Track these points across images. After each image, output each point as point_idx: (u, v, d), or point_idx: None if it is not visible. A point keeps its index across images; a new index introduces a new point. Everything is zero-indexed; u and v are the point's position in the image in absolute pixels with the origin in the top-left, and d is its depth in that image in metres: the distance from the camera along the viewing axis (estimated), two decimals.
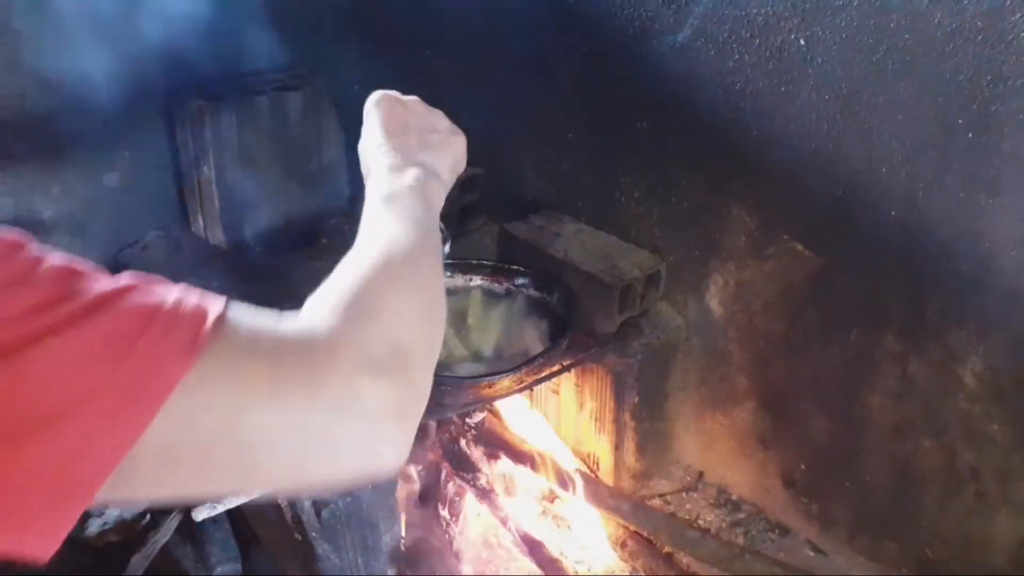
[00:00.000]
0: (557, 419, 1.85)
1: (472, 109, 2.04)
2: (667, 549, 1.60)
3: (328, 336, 0.64)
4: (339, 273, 0.73)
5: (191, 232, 2.09)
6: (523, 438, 1.74)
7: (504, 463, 1.69)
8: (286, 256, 2.05)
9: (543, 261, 1.74)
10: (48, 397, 0.52)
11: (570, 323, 1.60)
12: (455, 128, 1.02)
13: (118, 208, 2.01)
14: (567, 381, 1.78)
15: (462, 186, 2.10)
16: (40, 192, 1.92)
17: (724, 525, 1.75)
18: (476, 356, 1.59)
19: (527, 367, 1.47)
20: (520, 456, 1.70)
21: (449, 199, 2.11)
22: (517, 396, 1.70)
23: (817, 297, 1.49)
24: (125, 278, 0.59)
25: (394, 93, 1.01)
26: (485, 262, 1.81)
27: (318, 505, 1.32)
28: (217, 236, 2.01)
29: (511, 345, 1.62)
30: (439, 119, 1.01)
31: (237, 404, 0.58)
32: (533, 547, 1.57)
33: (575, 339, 1.64)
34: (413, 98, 1.02)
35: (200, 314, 0.58)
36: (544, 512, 1.73)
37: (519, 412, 1.80)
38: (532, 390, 1.73)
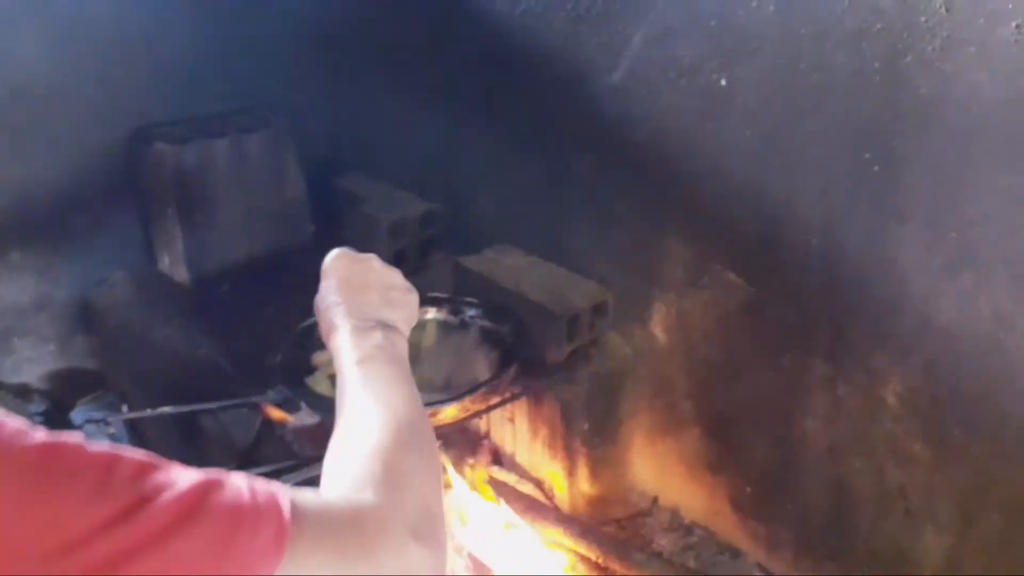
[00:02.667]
0: (513, 446, 1.89)
1: (430, 148, 2.13)
2: (619, 573, 1.64)
3: (376, 509, 0.69)
4: (353, 443, 0.78)
5: (157, 271, 2.14)
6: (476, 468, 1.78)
7: (458, 492, 1.73)
8: (251, 293, 2.10)
9: (496, 293, 1.80)
10: None
11: (518, 352, 1.65)
12: (409, 285, 1.06)
13: (85, 249, 2.06)
14: (521, 409, 1.83)
15: (422, 221, 2.17)
16: (8, 234, 1.97)
17: (676, 549, 1.78)
18: (425, 385, 1.63)
19: (470, 395, 1.51)
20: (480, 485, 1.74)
21: (410, 234, 2.16)
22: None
23: (750, 324, 1.55)
24: (181, 471, 0.62)
25: (350, 251, 1.05)
26: (440, 295, 1.85)
27: None
28: (182, 275, 2.06)
29: (460, 375, 1.67)
30: (395, 276, 1.05)
31: None
32: (484, 572, 1.60)
33: (525, 368, 1.68)
34: (371, 256, 1.06)
35: (275, 507, 0.63)
36: (499, 539, 1.76)
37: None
38: (483, 417, 1.77)
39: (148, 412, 1.49)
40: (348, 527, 0.67)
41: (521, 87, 1.81)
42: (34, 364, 2.07)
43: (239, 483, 0.64)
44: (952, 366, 1.27)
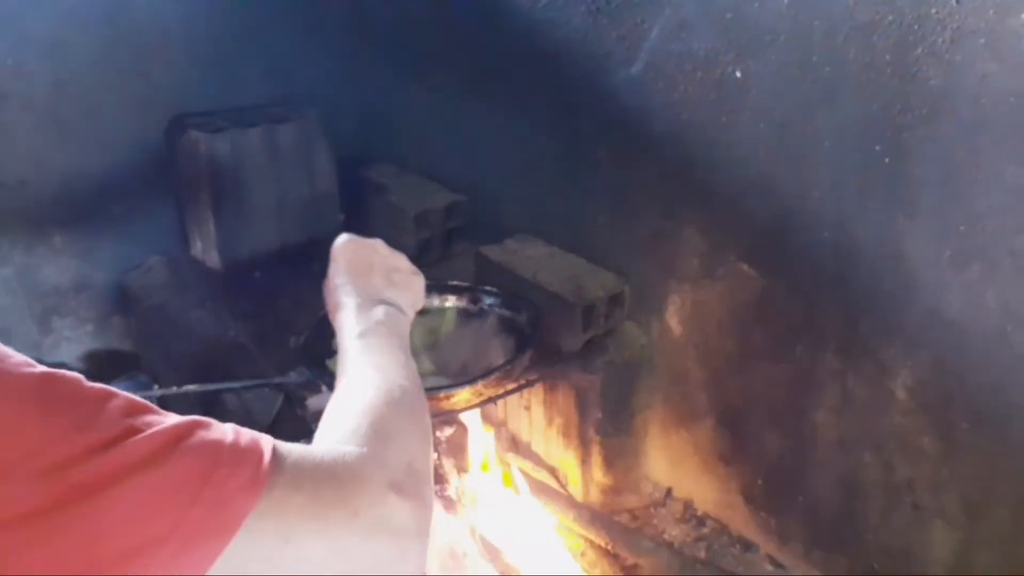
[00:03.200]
0: (529, 434, 1.92)
1: (456, 140, 2.17)
2: (629, 561, 1.66)
3: (358, 459, 0.71)
4: (346, 402, 0.81)
5: (191, 256, 2.21)
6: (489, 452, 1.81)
7: (472, 475, 1.76)
8: (281, 279, 2.16)
9: (514, 282, 1.83)
10: (127, 535, 0.58)
11: (533, 340, 1.68)
12: (415, 268, 1.11)
13: (123, 233, 2.14)
14: (536, 397, 1.86)
15: (447, 212, 2.21)
16: (51, 218, 2.06)
17: (688, 540, 1.80)
18: (442, 371, 1.67)
19: (484, 379, 1.55)
20: (487, 468, 1.77)
21: (435, 224, 2.18)
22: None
23: (763, 316, 1.55)
24: (175, 415, 0.65)
25: (358, 237, 1.10)
26: (460, 284, 1.89)
27: None
28: (214, 260, 2.13)
29: (477, 361, 1.70)
30: (400, 260, 1.10)
31: (287, 535, 0.65)
32: (496, 556, 1.63)
33: (540, 356, 1.71)
34: (377, 240, 1.10)
35: (257, 451, 0.65)
36: (510, 522, 1.79)
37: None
38: (499, 404, 1.80)
39: (174, 389, 1.55)
40: (327, 474, 0.68)
41: (543, 80, 1.84)
42: (72, 344, 2.16)
43: (225, 427, 0.66)
44: (960, 360, 1.27)
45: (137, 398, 0.65)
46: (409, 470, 0.74)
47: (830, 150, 1.34)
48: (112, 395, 0.63)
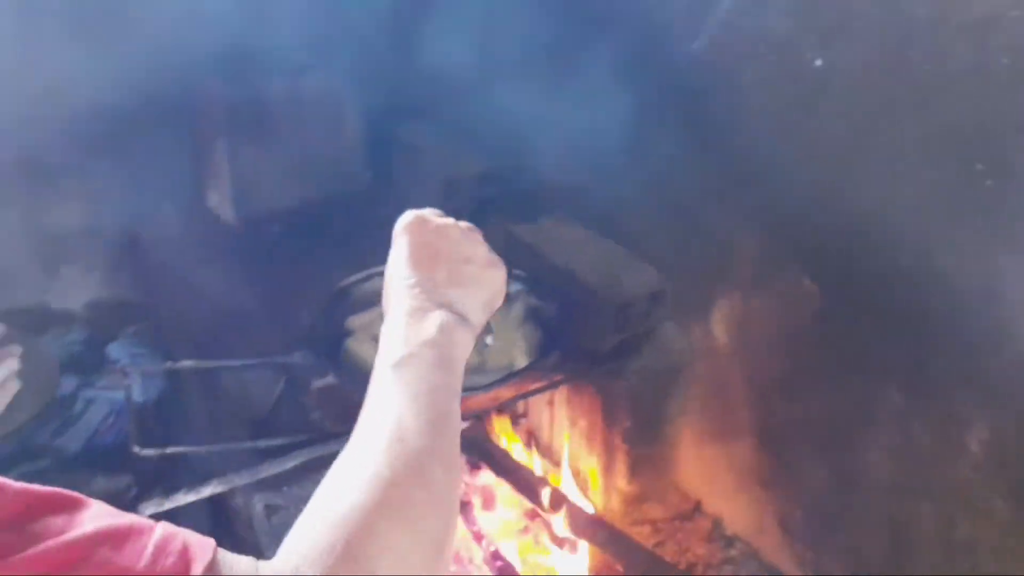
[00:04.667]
0: (550, 432, 1.79)
1: (496, 103, 1.98)
2: None
3: None
4: (332, 491, 0.62)
5: (206, 207, 2.09)
6: (507, 451, 1.68)
7: (486, 474, 1.64)
8: (300, 238, 2.02)
9: (543, 268, 1.67)
10: None
11: (559, 341, 1.52)
12: (494, 258, 0.89)
13: (136, 179, 2.01)
14: (560, 394, 1.71)
15: (480, 180, 2.04)
16: (60, 160, 1.94)
17: (715, 561, 1.66)
18: None
19: (500, 385, 1.40)
20: (503, 469, 1.64)
21: (465, 193, 2.00)
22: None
23: (821, 338, 1.38)
24: (92, 515, 0.51)
25: (428, 213, 0.89)
26: None
27: (269, 510, 1.29)
28: (228, 214, 2.00)
29: (498, 356, 1.55)
30: (477, 246, 0.88)
31: None
32: (503, 568, 1.52)
33: (567, 355, 1.56)
34: (449, 221, 0.90)
35: None
36: (525, 529, 1.68)
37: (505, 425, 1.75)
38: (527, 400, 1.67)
39: (168, 365, 1.44)
40: None
41: (595, 46, 1.64)
42: (80, 291, 2.06)
43: (150, 539, 0.52)
44: None
45: (41, 490, 0.51)
46: None
47: (919, 162, 1.14)
48: (17, 496, 0.49)
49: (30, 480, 0.52)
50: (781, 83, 1.28)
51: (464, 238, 0.88)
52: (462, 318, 0.80)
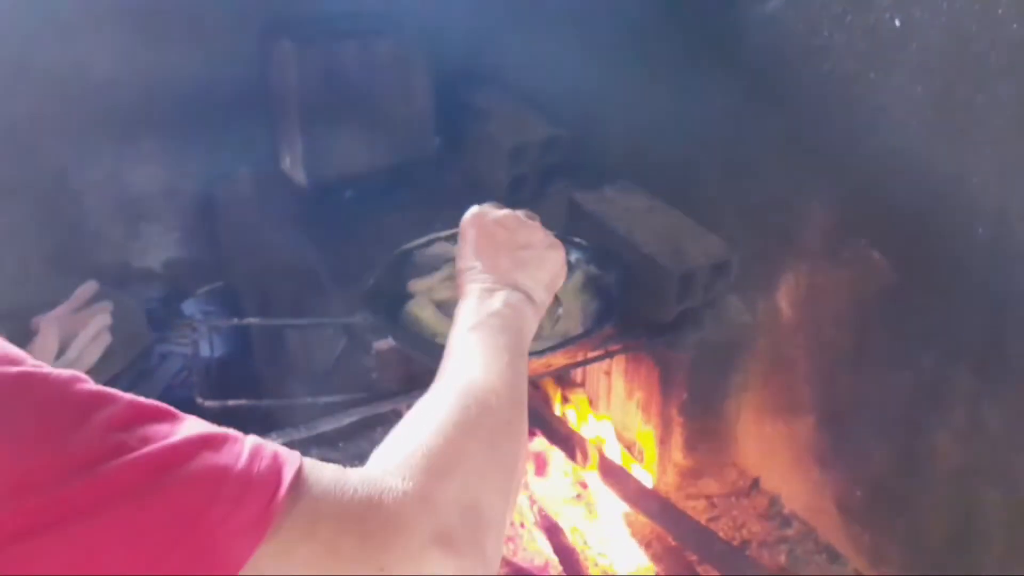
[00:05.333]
0: (607, 402, 1.78)
1: (566, 69, 1.95)
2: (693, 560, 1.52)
3: (397, 500, 0.58)
4: (414, 418, 0.69)
5: (280, 171, 2.13)
6: (563, 418, 1.67)
7: (539, 440, 1.64)
8: (369, 202, 2.05)
9: (605, 236, 1.65)
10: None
11: (617, 308, 1.50)
12: (552, 241, 1.00)
13: (214, 142, 2.06)
14: (618, 365, 1.70)
15: (545, 147, 2.02)
16: (141, 122, 2.00)
17: (770, 539, 1.63)
18: None
19: (554, 351, 1.40)
20: (556, 436, 1.64)
21: (531, 159, 2.01)
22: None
23: (891, 313, 1.33)
24: (190, 424, 0.55)
25: (487, 208, 1.00)
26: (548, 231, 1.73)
27: None
28: (300, 178, 2.03)
29: (554, 321, 1.55)
30: (534, 232, 0.99)
31: None
32: (552, 532, 1.52)
33: (625, 324, 1.54)
34: (506, 212, 1.01)
35: (273, 481, 0.54)
36: (578, 496, 1.67)
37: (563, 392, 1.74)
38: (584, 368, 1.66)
39: (235, 321, 1.48)
40: (354, 517, 0.56)
41: (665, 10, 1.60)
42: (159, 250, 2.13)
43: (243, 446, 0.55)
44: None
45: (146, 402, 0.54)
46: (468, 515, 0.61)
47: (1002, 130, 1.07)
48: (105, 402, 0.52)
49: None
50: (857, 44, 1.22)
51: (521, 226, 0.99)
52: (527, 296, 0.90)
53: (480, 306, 0.86)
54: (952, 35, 1.09)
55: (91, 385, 0.53)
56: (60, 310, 1.24)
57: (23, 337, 1.19)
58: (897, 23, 1.16)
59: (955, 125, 1.13)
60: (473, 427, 0.68)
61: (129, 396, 0.54)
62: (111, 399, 0.53)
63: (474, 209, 1.01)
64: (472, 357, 0.78)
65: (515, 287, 0.89)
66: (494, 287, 0.89)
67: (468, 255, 0.94)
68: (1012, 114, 1.05)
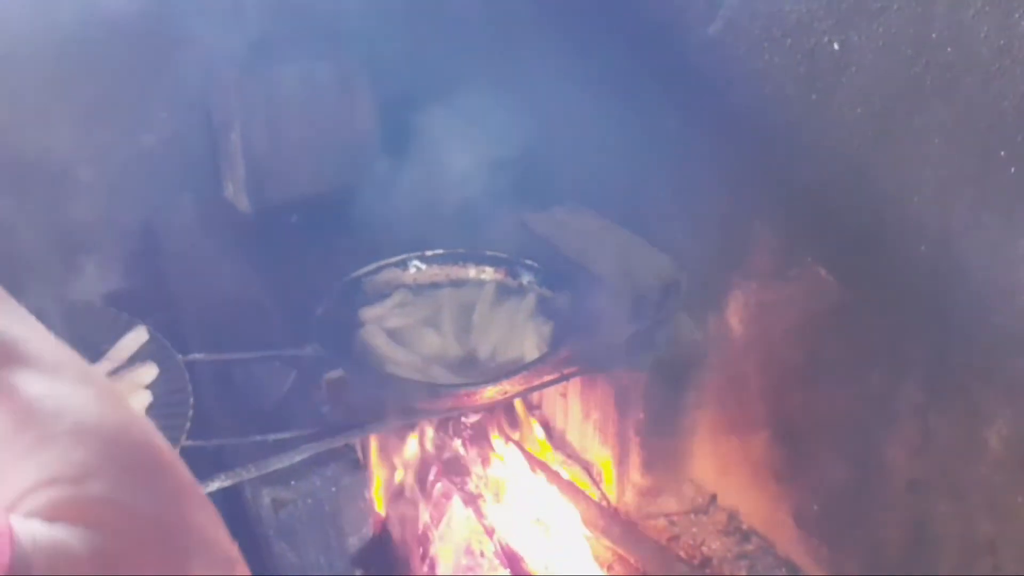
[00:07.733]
0: (564, 423, 1.77)
1: (508, 90, 1.95)
2: None
3: None
4: None
5: (224, 198, 2.08)
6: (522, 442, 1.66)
7: (496, 467, 1.62)
8: (313, 228, 2.01)
9: (557, 258, 1.64)
10: None
11: (571, 331, 1.50)
12: None
13: (153, 170, 2.01)
14: (574, 386, 1.69)
15: (494, 169, 2.01)
16: (76, 153, 1.94)
17: (730, 556, 1.64)
18: (470, 358, 1.52)
19: (508, 379, 1.39)
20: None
21: (479, 183, 1.94)
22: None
23: (838, 330, 1.34)
24: None
25: None
26: (499, 254, 1.72)
27: (276, 504, 1.29)
28: (243, 203, 1.99)
29: (508, 349, 1.54)
30: None
31: None
32: (514, 561, 1.50)
33: (579, 347, 1.54)
34: None
35: None
36: (537, 520, 1.66)
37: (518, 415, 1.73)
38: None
39: (179, 358, 1.43)
40: None
41: (609, 31, 1.60)
42: (98, 282, 2.06)
43: None
44: None
45: None
46: None
47: (940, 149, 1.10)
48: None
49: None
50: (797, 67, 1.24)
51: None
52: None
53: None
54: (889, 58, 1.11)
55: None
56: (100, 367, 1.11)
57: None
58: (836, 47, 1.18)
59: (895, 145, 1.15)
60: None
61: None
62: None
63: None
64: None
65: None
66: None
67: None
68: (948, 134, 1.08)
